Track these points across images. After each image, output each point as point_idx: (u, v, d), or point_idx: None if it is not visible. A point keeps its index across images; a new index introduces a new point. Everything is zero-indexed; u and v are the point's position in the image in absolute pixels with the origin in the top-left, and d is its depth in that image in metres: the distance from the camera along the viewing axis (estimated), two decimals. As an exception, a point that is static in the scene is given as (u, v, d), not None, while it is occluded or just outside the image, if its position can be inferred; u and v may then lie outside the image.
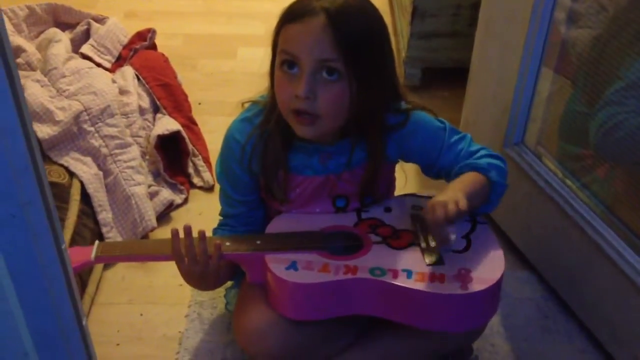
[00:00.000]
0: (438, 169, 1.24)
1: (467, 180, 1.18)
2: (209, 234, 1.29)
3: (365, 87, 1.12)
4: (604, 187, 1.38)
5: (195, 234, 1.18)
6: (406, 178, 1.36)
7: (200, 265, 1.17)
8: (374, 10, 1.15)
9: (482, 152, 1.23)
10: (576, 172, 1.42)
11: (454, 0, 2.03)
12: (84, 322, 0.70)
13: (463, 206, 1.08)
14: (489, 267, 1.14)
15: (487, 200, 1.21)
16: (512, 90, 1.48)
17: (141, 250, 1.25)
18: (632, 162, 1.33)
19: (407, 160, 1.29)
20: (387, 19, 2.49)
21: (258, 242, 1.19)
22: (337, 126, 1.17)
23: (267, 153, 1.21)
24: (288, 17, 1.12)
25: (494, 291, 1.14)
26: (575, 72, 1.44)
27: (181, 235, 1.17)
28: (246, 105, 1.26)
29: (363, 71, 1.11)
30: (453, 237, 1.09)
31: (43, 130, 1.60)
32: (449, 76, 2.07)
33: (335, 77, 1.10)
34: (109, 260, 1.37)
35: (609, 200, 1.35)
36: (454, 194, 1.12)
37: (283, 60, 1.12)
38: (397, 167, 1.33)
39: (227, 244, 1.19)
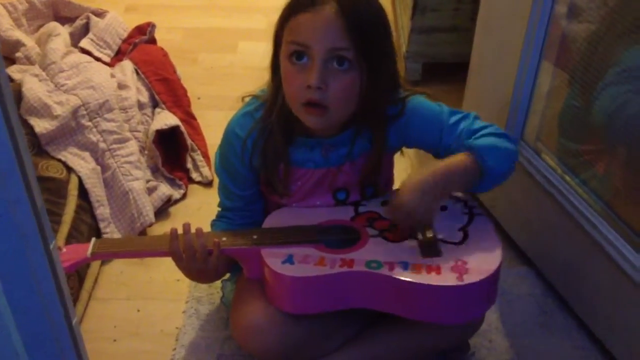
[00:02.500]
0: (443, 151, 1.22)
1: (453, 164, 1.16)
2: (207, 229, 1.29)
3: (374, 77, 1.13)
4: (603, 183, 1.37)
5: (193, 231, 1.18)
6: (412, 166, 1.35)
7: (199, 263, 1.18)
8: (377, 0, 1.15)
9: (486, 131, 1.19)
10: (575, 168, 1.41)
11: (455, -5, 2.02)
12: (73, 322, 0.70)
13: (429, 221, 1.15)
14: (486, 259, 1.14)
15: (480, 183, 1.18)
16: (511, 85, 1.47)
17: (138, 246, 1.25)
18: None
19: (410, 146, 1.27)
20: (388, 14, 2.47)
21: (255, 236, 1.20)
22: (345, 117, 1.17)
23: (268, 148, 1.21)
24: (296, 8, 1.11)
25: (491, 282, 1.13)
26: (574, 67, 1.43)
27: (180, 231, 1.17)
28: (246, 99, 1.26)
29: (372, 60, 1.11)
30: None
31: (41, 125, 1.60)
32: (449, 71, 2.05)
33: (346, 67, 1.10)
34: (105, 256, 1.38)
35: (608, 196, 1.34)
36: (428, 190, 1.13)
37: (292, 51, 1.11)
38: (401, 157, 1.31)
39: (224, 239, 1.19)
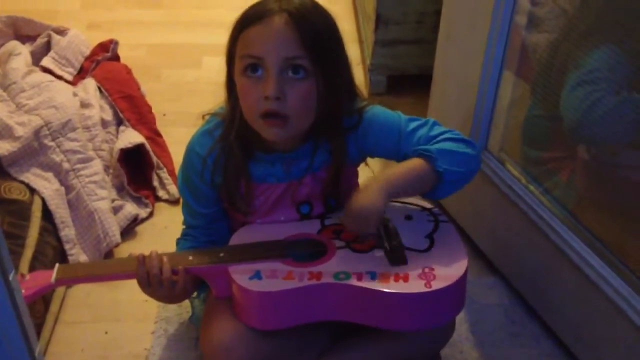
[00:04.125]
0: (403, 159, 1.22)
1: (402, 171, 1.18)
2: (173, 248, 1.28)
3: (330, 85, 1.13)
4: (566, 191, 1.39)
5: (160, 250, 1.17)
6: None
7: (166, 289, 1.17)
8: (326, 10, 1.16)
9: (443, 136, 1.20)
10: (539, 177, 1.43)
11: (418, 8, 2.04)
12: (36, 352, 0.69)
13: (373, 227, 1.13)
14: (452, 265, 1.15)
15: (437, 188, 1.18)
16: (474, 96, 1.49)
17: (102, 270, 1.23)
18: (614, 141, 1.31)
19: (371, 156, 1.28)
20: (352, 27, 2.50)
21: (221, 254, 1.19)
22: (305, 127, 1.17)
23: (228, 166, 1.20)
24: (246, 22, 1.12)
25: (459, 287, 1.15)
26: (534, 77, 1.45)
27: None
28: (206, 117, 1.26)
29: (327, 68, 1.12)
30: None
31: (2, 147, 1.57)
32: (414, 83, 2.07)
33: (301, 75, 1.10)
34: (70, 282, 1.36)
35: (571, 204, 1.36)
36: (375, 197, 1.13)
37: (246, 64, 1.11)
38: (365, 167, 1.32)
39: (191, 258, 1.18)
